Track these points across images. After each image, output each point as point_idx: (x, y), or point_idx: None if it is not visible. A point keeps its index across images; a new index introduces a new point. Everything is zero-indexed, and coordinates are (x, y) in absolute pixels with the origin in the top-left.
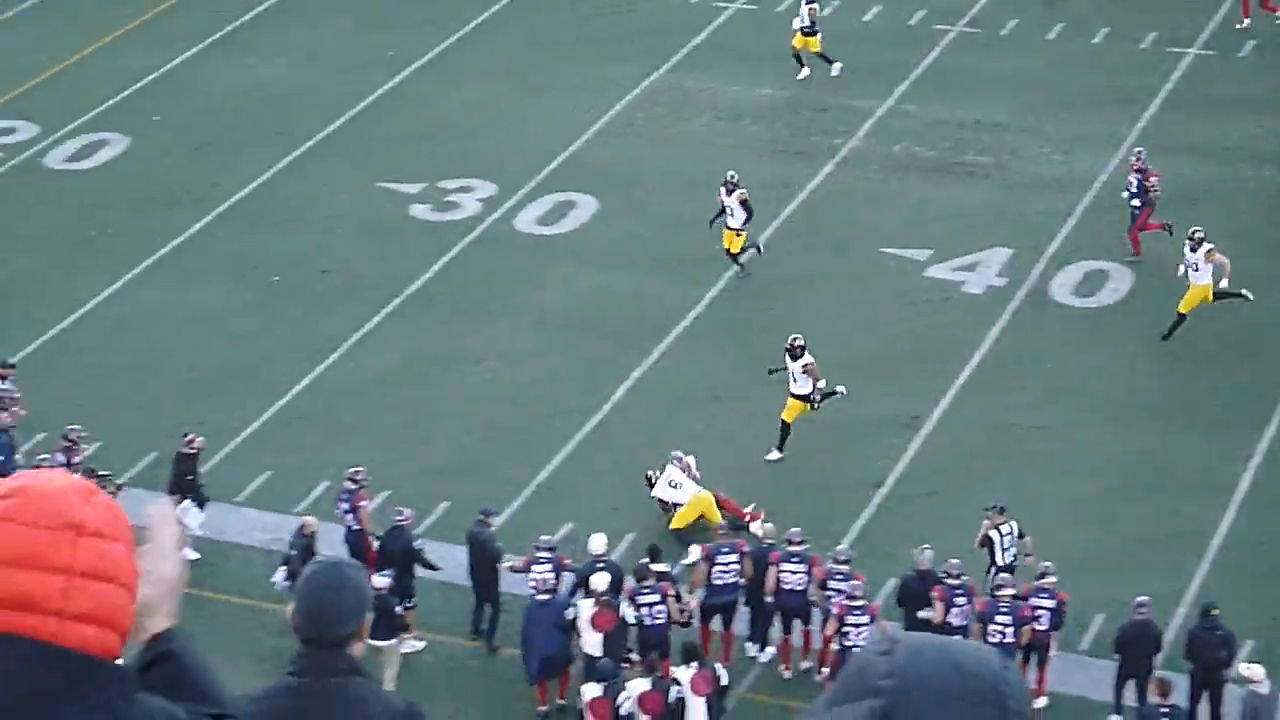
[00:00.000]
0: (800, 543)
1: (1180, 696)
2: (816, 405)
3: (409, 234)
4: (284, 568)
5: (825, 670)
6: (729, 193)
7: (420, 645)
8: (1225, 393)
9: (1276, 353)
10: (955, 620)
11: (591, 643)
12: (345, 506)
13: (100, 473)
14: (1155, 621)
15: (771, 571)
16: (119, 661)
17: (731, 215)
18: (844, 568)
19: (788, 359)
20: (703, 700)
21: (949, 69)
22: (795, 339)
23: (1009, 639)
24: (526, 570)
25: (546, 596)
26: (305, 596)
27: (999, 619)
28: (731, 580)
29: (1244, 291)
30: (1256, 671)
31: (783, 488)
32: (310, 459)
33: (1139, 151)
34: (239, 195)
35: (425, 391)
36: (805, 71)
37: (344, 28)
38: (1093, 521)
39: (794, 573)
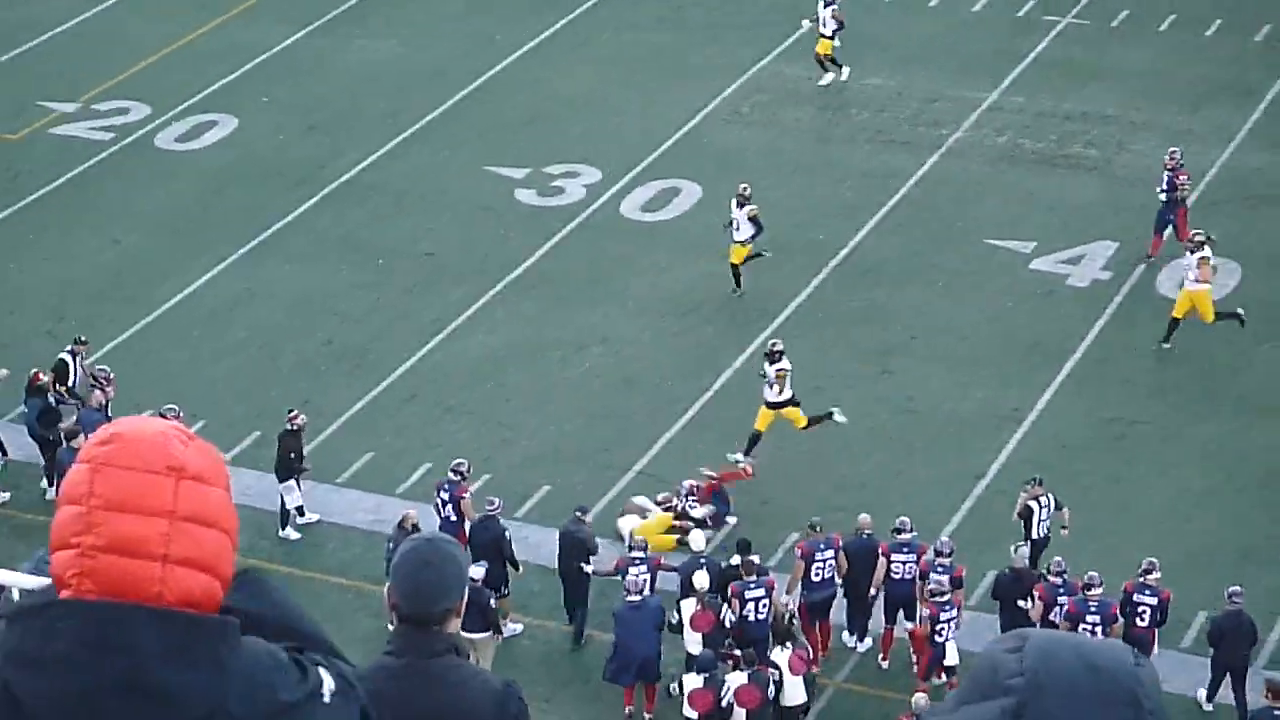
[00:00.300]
0: (909, 532)
1: None
2: (809, 427)
3: (514, 218)
4: (388, 562)
5: (917, 662)
6: (739, 206)
7: (518, 629)
8: None
9: None
10: (1056, 619)
11: (692, 641)
12: (446, 497)
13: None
14: (1248, 613)
15: (881, 562)
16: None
17: (738, 229)
18: (945, 560)
19: (766, 363)
20: (800, 679)
21: (1057, 60)
22: (774, 343)
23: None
24: (618, 573)
25: (638, 598)
26: (403, 574)
27: (1089, 618)
28: (829, 576)
29: (1239, 311)
30: None
31: (884, 479)
32: (413, 441)
33: (1174, 151)
34: (346, 177)
35: (528, 376)
36: (829, 77)
37: (454, 10)
38: (1198, 517)
39: (903, 563)
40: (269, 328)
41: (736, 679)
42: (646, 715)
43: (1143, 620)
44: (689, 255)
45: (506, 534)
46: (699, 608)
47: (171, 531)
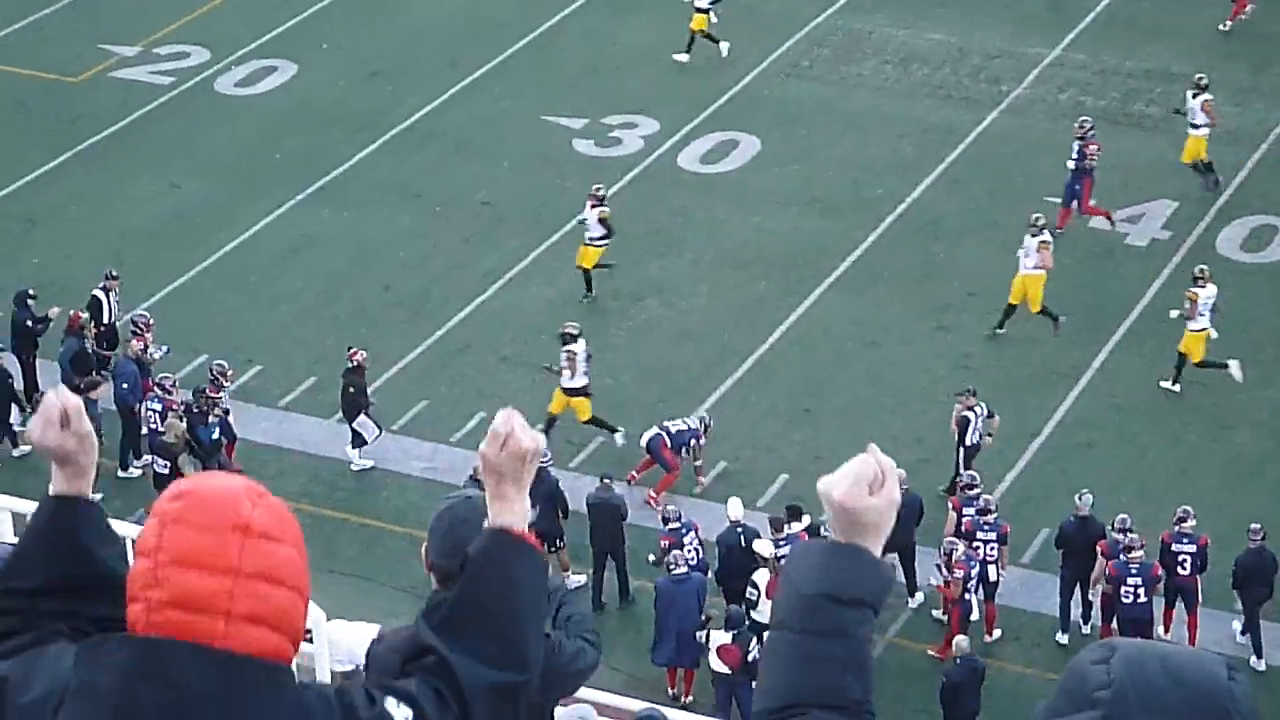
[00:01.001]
0: (975, 487)
1: None
2: (591, 424)
3: (572, 168)
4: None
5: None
6: (591, 207)
7: (580, 580)
8: None
9: None
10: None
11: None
12: None
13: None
14: (1270, 549)
15: (951, 516)
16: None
17: (589, 229)
18: (990, 518)
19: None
20: None
21: (1121, 18)
22: (567, 326)
23: (1143, 599)
24: (667, 555)
25: (683, 571)
26: (440, 533)
27: (1130, 580)
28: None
29: (1059, 318)
30: None
31: (939, 436)
32: (467, 391)
33: (1084, 120)
34: (405, 124)
35: (584, 327)
36: (722, 47)
37: None
38: (1252, 478)
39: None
40: (327, 274)
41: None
42: (686, 699)
43: (1184, 569)
44: (746, 209)
45: (559, 485)
46: (728, 641)
47: (235, 589)
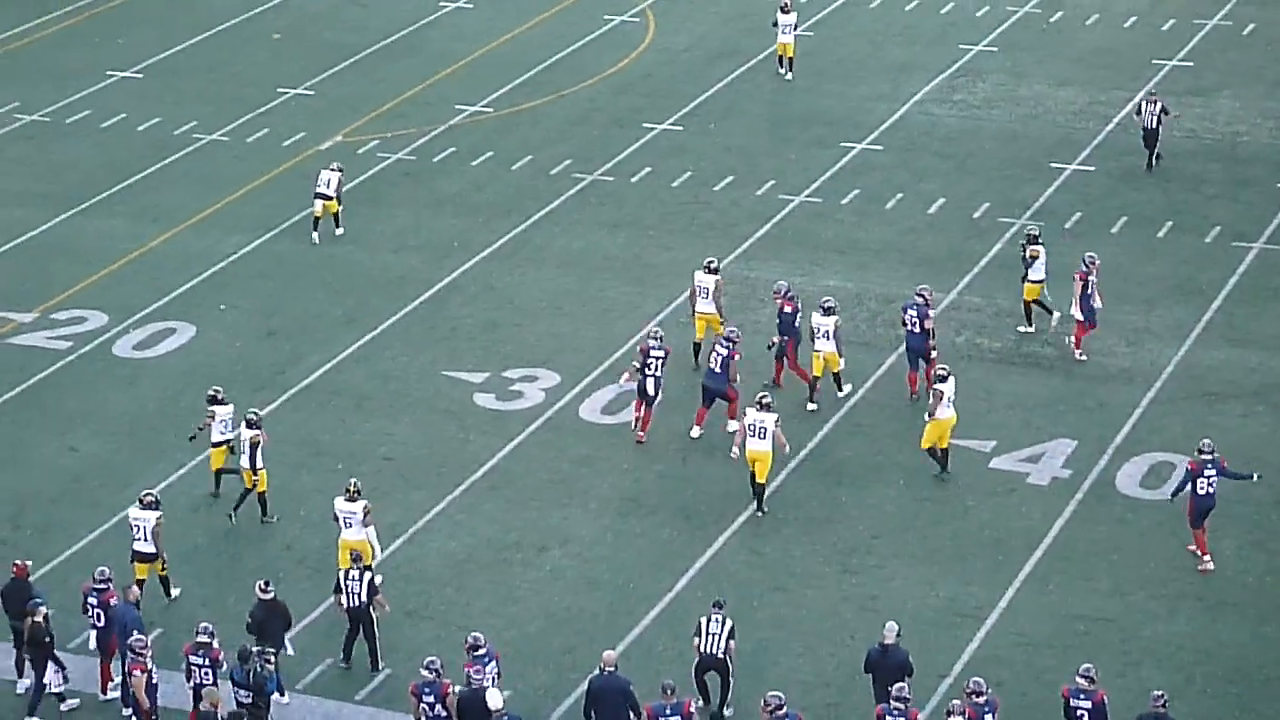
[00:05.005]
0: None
1: None
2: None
3: (473, 422)
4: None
5: None
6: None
7: None
8: None
9: None
10: None
11: None
12: (432, 699)
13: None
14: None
15: None
16: None
17: None
18: None
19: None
20: None
21: (1013, 261)
22: (215, 391)
23: None
24: None
25: None
26: None
27: None
28: None
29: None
30: None
31: (849, 678)
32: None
33: (923, 289)
34: (305, 381)
35: (489, 579)
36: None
37: (410, 220)
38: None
39: None
40: (229, 535)
41: None
42: None
43: None
44: (650, 455)
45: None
46: None
47: None
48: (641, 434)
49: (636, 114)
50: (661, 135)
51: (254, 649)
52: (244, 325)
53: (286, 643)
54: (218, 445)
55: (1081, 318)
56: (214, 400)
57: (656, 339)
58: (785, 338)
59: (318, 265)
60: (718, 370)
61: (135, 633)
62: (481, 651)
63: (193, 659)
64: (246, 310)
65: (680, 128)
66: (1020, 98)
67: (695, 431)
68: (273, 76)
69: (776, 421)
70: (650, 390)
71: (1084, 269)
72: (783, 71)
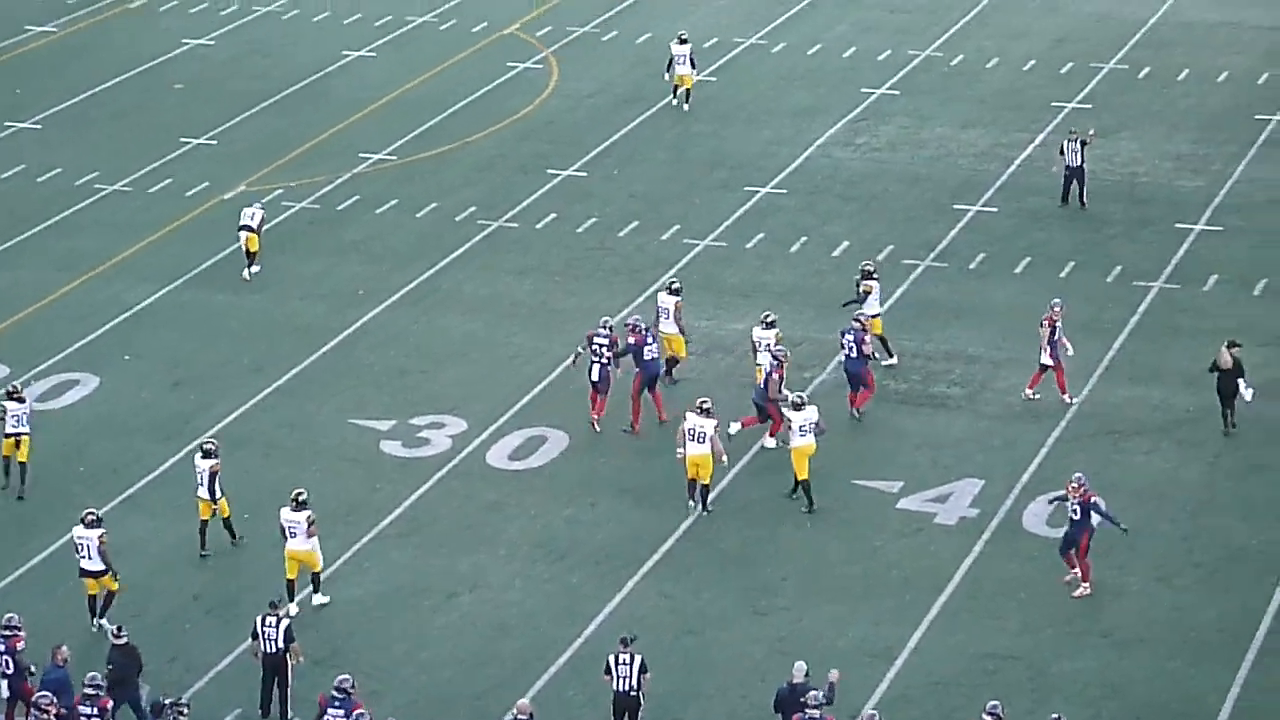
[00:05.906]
0: None
1: None
2: None
3: (381, 470)
4: None
5: None
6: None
7: None
8: (1206, 628)
9: (1257, 583)
10: None
11: None
12: None
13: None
14: None
15: None
16: None
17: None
18: None
19: None
20: None
21: (919, 301)
22: (13, 387)
23: None
24: None
25: None
26: None
27: None
28: None
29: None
30: None
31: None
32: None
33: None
34: (212, 430)
35: (399, 625)
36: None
37: (317, 268)
38: None
39: None
40: (133, 584)
41: None
42: None
43: None
44: (559, 501)
45: None
46: None
47: None
48: (596, 418)
49: (541, 160)
50: (566, 181)
51: (166, 701)
52: (150, 375)
53: (140, 685)
54: (9, 437)
55: (1050, 362)
56: (10, 396)
57: (605, 328)
58: (637, 370)
59: (224, 314)
60: (764, 387)
61: (51, 692)
62: (343, 696)
63: (81, 709)
64: (152, 360)
65: (585, 173)
66: (923, 140)
67: (770, 442)
68: (176, 126)
69: (715, 427)
70: (595, 377)
71: (1050, 314)
72: (676, 103)
